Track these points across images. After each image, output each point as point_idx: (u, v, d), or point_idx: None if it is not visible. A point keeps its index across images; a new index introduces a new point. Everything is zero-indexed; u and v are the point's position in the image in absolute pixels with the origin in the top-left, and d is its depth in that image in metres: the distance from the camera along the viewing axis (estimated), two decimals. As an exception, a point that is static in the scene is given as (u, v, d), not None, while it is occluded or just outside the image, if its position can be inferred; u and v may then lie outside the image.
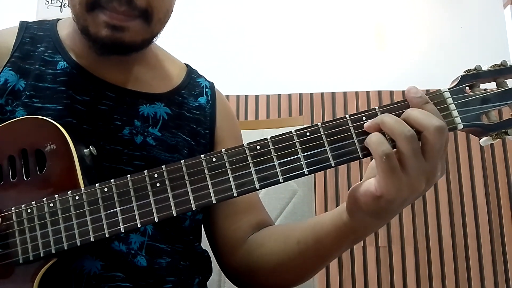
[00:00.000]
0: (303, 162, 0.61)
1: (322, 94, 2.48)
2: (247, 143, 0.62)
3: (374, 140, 0.58)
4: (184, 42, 2.43)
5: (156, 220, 0.62)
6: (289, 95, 2.50)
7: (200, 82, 0.94)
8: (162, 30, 0.81)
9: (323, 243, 0.72)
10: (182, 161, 0.63)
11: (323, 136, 0.61)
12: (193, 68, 0.97)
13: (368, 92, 2.44)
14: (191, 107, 0.88)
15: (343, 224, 0.67)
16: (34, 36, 0.84)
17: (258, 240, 0.83)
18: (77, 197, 0.65)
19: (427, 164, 0.58)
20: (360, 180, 0.64)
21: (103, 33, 0.73)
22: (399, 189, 0.58)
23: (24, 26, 0.86)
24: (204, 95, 0.92)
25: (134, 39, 0.76)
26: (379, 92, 2.43)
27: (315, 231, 0.73)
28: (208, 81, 0.96)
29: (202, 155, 0.63)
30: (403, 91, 2.33)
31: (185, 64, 0.97)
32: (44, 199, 0.66)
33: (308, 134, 0.62)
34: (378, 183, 0.59)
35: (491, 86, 0.63)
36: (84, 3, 0.73)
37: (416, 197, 0.61)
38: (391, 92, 2.41)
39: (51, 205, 0.65)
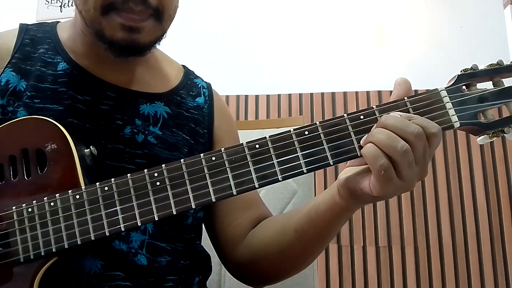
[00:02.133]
0: (301, 160, 0.61)
1: (322, 94, 2.48)
2: (246, 142, 0.63)
3: (371, 153, 0.59)
4: (184, 42, 2.43)
5: (156, 219, 0.63)
6: (289, 95, 2.50)
7: (197, 83, 0.95)
8: (169, 26, 0.82)
9: (320, 226, 0.74)
10: (181, 160, 0.64)
11: (322, 135, 0.62)
12: (190, 69, 0.98)
13: (368, 92, 2.44)
14: (190, 107, 0.89)
15: (338, 206, 0.69)
16: (34, 38, 0.85)
17: (257, 233, 0.85)
18: (77, 196, 0.65)
19: (418, 167, 0.60)
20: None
21: (119, 35, 0.74)
22: (395, 191, 0.61)
23: (24, 28, 0.86)
24: (202, 95, 0.93)
25: (149, 38, 0.77)
26: (379, 92, 2.43)
27: (310, 217, 0.75)
28: (205, 82, 0.97)
29: (202, 154, 0.64)
30: (403, 91, 2.33)
31: (182, 65, 0.98)
32: (45, 198, 0.66)
33: (306, 133, 0.62)
34: (375, 188, 0.61)
35: (488, 85, 0.64)
36: (99, 7, 0.73)
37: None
38: (391, 92, 2.40)
39: (52, 204, 0.66)
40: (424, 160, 0.60)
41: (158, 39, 0.81)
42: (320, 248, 0.81)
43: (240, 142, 0.64)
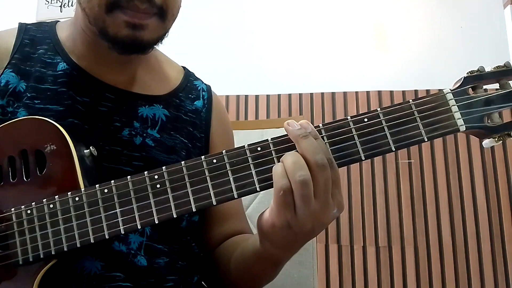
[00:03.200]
0: None
1: (322, 94, 2.47)
2: (248, 145, 0.62)
3: (277, 172, 0.59)
4: (184, 42, 2.42)
5: (156, 222, 0.62)
6: (289, 95, 2.50)
7: (197, 85, 0.94)
8: (171, 26, 0.81)
9: (248, 265, 0.76)
10: (182, 162, 0.63)
11: (324, 138, 0.61)
12: (190, 71, 0.97)
13: (368, 92, 2.44)
14: (188, 110, 0.89)
15: (260, 251, 0.70)
16: (33, 38, 0.84)
17: (218, 252, 0.87)
18: (77, 198, 0.65)
19: (317, 204, 0.58)
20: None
21: (124, 32, 0.74)
22: (290, 224, 0.59)
23: (24, 28, 0.86)
24: (201, 98, 0.92)
25: (152, 36, 0.77)
26: (379, 92, 2.43)
27: (243, 253, 0.77)
28: (206, 84, 0.96)
29: (203, 157, 0.63)
30: (403, 91, 2.34)
31: (182, 67, 0.97)
32: (44, 200, 0.66)
33: (309, 135, 0.61)
34: (271, 211, 0.61)
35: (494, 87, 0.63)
36: (103, 5, 0.73)
37: (312, 232, 0.62)
38: (391, 92, 2.41)
39: (51, 206, 0.65)
40: (325, 197, 0.58)
41: (161, 37, 0.80)
42: (256, 285, 0.81)
43: (241, 144, 0.63)
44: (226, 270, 0.82)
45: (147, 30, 0.75)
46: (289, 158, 0.58)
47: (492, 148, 2.27)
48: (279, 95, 2.50)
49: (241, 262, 0.78)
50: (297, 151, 0.60)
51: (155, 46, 0.81)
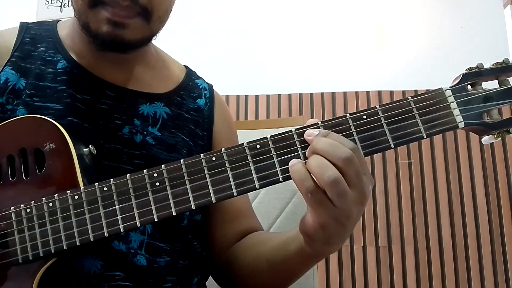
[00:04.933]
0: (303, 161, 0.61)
1: (322, 94, 2.48)
2: (247, 142, 0.62)
3: (298, 176, 0.58)
4: (184, 42, 2.43)
5: (156, 220, 0.62)
6: (289, 95, 2.50)
7: (199, 84, 0.94)
8: (161, 29, 0.81)
9: (289, 264, 0.73)
10: (181, 160, 0.63)
11: (324, 135, 0.61)
12: (192, 69, 0.97)
13: (368, 92, 2.44)
14: (190, 108, 0.89)
15: (305, 252, 0.68)
16: (34, 37, 0.84)
17: (237, 251, 0.86)
18: (76, 197, 0.64)
19: (354, 192, 0.57)
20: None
21: (104, 29, 0.74)
22: (334, 219, 0.58)
23: (25, 27, 0.86)
24: (203, 97, 0.92)
25: (134, 36, 0.76)
26: (379, 92, 2.43)
27: (281, 253, 0.74)
28: (207, 83, 0.96)
29: (202, 154, 0.63)
30: (403, 91, 2.34)
31: (184, 65, 0.97)
32: (43, 199, 0.65)
33: (308, 132, 0.61)
34: (311, 214, 0.60)
35: (493, 84, 0.63)
36: (87, 0, 0.73)
37: (357, 215, 0.61)
38: (391, 92, 2.42)
39: (50, 204, 0.65)
40: (359, 183, 0.58)
41: (145, 39, 0.80)
42: (288, 282, 0.80)
43: (241, 142, 0.63)
44: (254, 267, 0.80)
45: (129, 29, 0.74)
46: (313, 162, 0.57)
47: (492, 147, 2.28)
48: (279, 95, 2.51)
49: (279, 261, 0.75)
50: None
51: (139, 47, 0.81)
